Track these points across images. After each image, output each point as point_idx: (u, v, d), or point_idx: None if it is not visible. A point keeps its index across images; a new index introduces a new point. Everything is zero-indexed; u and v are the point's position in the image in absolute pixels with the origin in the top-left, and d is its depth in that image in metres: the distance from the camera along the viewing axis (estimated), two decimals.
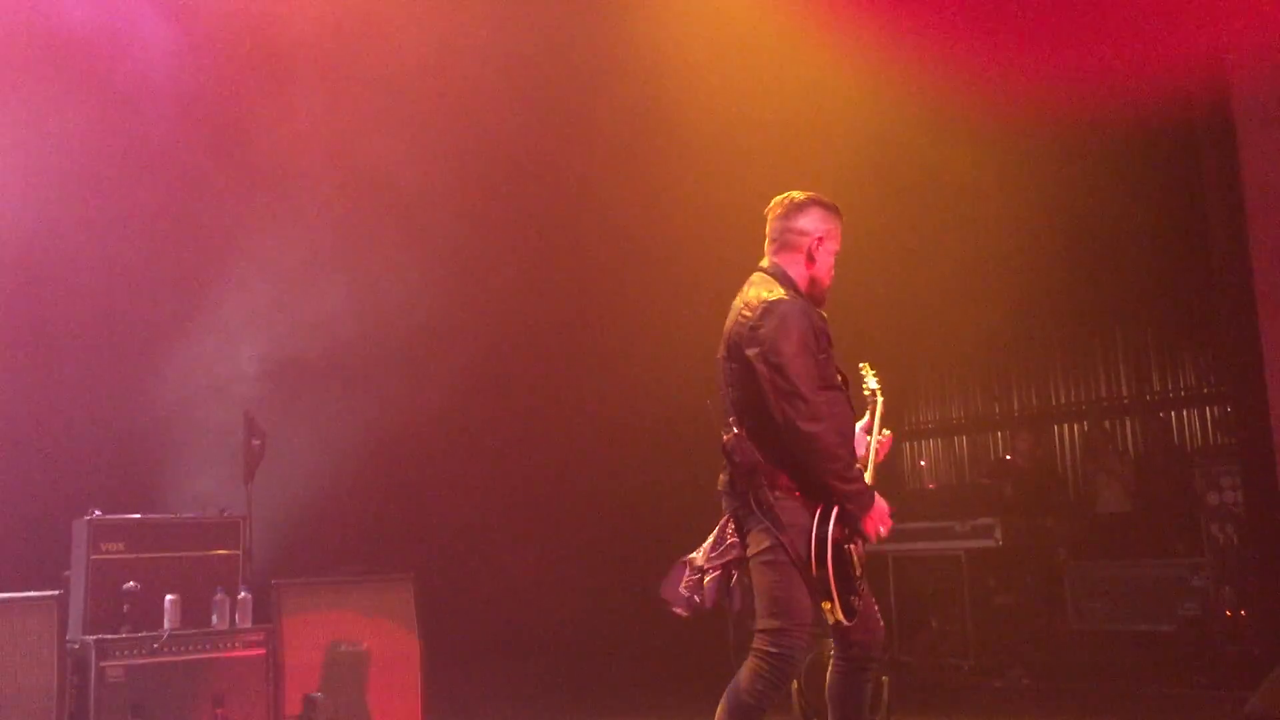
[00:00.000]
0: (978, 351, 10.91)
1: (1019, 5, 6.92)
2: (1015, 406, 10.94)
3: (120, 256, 7.12)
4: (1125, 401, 10.26)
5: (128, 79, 7.04)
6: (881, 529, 3.81)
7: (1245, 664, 6.83)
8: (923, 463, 11.53)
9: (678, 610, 3.88)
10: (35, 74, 6.85)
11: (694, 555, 3.92)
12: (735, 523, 3.86)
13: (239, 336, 7.33)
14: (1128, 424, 10.22)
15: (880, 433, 4.13)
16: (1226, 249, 7.24)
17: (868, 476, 3.95)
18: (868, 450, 4.08)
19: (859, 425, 4.11)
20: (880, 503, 3.82)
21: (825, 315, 3.97)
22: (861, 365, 4.31)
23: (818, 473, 3.68)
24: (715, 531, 3.91)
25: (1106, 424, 10.25)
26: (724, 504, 3.92)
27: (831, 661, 3.96)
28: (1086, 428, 10.37)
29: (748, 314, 3.84)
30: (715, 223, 7.76)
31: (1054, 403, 10.68)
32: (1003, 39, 6.85)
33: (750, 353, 3.77)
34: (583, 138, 8.36)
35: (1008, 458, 10.25)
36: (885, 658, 4.04)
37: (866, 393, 4.24)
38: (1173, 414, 9.94)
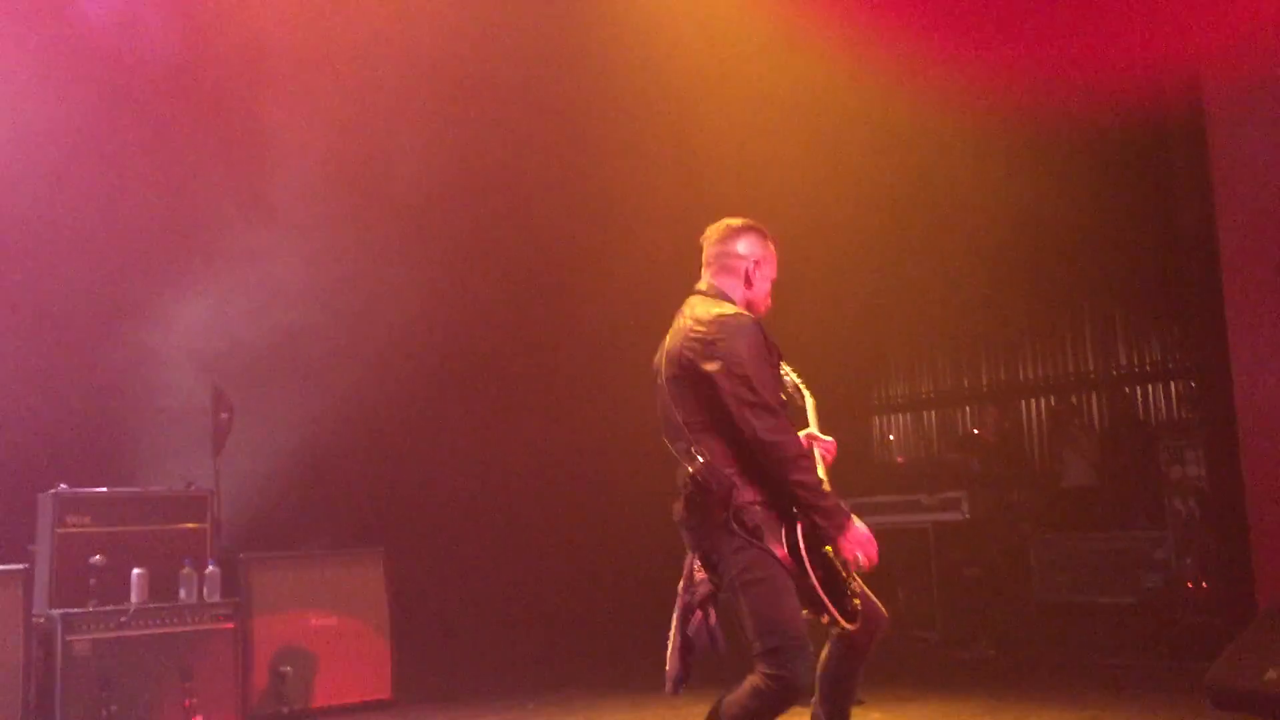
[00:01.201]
0: (947, 328, 11.00)
1: (998, 4, 6.97)
2: (984, 382, 11.04)
3: (95, 231, 7.05)
4: (1092, 376, 10.36)
5: (122, 58, 6.98)
6: (861, 556, 3.66)
7: (1206, 634, 6.94)
8: (891, 437, 11.61)
9: (672, 692, 3.69)
10: (32, 49, 6.78)
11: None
12: (702, 556, 3.71)
13: (209, 312, 7.26)
14: (1094, 399, 10.33)
15: (822, 437, 4.02)
16: (1193, 228, 7.31)
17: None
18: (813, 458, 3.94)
19: (802, 434, 4.00)
20: (858, 528, 3.68)
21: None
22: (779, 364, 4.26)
23: (787, 483, 3.58)
24: (684, 574, 3.78)
25: (1073, 399, 10.36)
26: (685, 539, 3.78)
27: (830, 644, 3.86)
28: (1053, 403, 10.48)
29: (700, 329, 3.73)
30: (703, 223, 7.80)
31: (1022, 378, 10.78)
32: (980, 33, 6.89)
33: (710, 368, 3.65)
34: (577, 137, 8.43)
35: (975, 432, 10.35)
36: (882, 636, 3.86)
37: (791, 389, 4.11)
38: (1138, 389, 10.06)
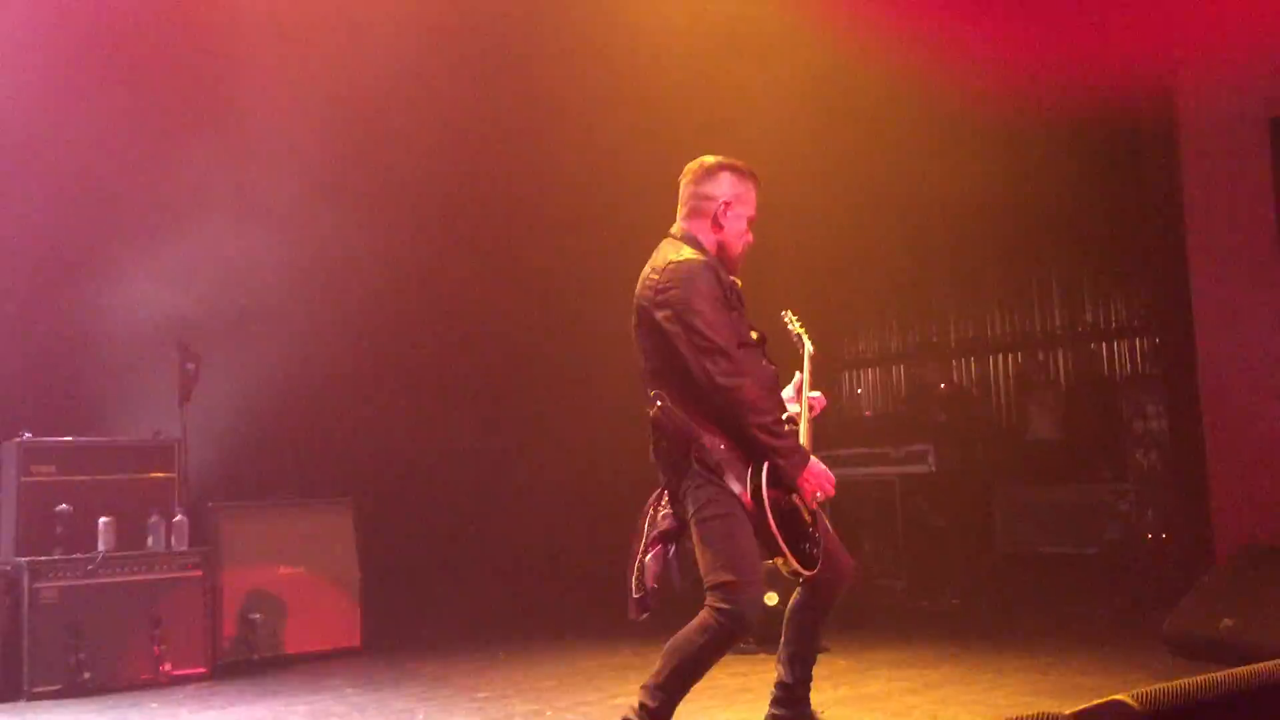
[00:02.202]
0: (916, 284, 11.03)
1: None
2: (952, 337, 11.10)
3: (63, 178, 6.92)
4: (1058, 333, 10.45)
5: (101, 15, 6.84)
6: (819, 494, 3.71)
7: (1166, 585, 7.06)
8: (859, 391, 11.69)
9: (636, 617, 3.72)
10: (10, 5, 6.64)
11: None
12: (669, 492, 3.76)
13: (177, 263, 7.17)
14: (1059, 355, 10.42)
15: (811, 391, 4.04)
16: (1159, 189, 7.38)
17: (803, 437, 3.86)
18: (800, 410, 3.99)
19: (792, 384, 4.04)
20: (818, 464, 3.72)
21: (739, 281, 3.89)
22: (784, 313, 4.23)
23: (743, 427, 3.57)
24: (649, 510, 3.82)
25: (1039, 355, 10.45)
26: (659, 476, 3.82)
27: (798, 590, 3.90)
28: (1020, 359, 10.56)
29: (654, 277, 3.74)
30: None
31: (990, 333, 10.85)
32: (952, 13, 6.91)
33: (660, 315, 3.66)
34: (560, 112, 8.42)
35: (942, 386, 10.43)
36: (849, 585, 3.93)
37: (794, 338, 4.16)
38: (1103, 345, 10.15)
